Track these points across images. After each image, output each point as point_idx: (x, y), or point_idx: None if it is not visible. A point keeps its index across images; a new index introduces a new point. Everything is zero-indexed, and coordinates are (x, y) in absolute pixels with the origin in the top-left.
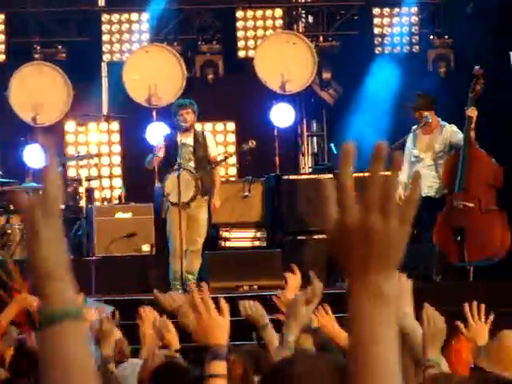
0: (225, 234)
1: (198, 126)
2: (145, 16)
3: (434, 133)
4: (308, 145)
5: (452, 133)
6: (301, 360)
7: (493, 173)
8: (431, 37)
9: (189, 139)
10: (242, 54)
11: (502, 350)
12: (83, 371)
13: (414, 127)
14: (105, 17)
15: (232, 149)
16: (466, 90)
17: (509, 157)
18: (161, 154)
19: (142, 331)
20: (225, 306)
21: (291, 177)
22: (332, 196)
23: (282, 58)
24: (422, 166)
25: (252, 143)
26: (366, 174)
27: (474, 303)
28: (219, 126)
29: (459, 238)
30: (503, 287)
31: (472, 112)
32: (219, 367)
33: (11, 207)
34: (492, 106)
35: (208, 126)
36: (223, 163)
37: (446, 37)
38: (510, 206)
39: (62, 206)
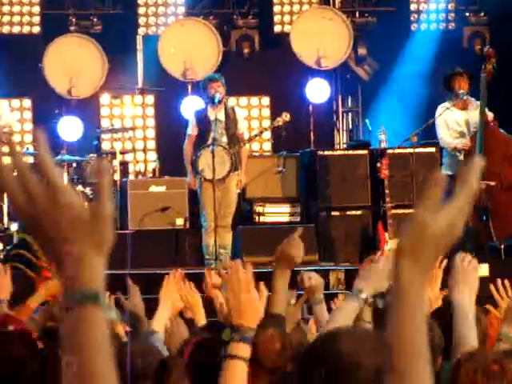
0: (259, 209)
1: (233, 101)
2: None
3: (468, 108)
4: (343, 121)
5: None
6: (346, 336)
7: (511, 149)
8: (467, 14)
9: (220, 114)
10: (277, 28)
11: None
12: (102, 357)
13: (445, 104)
14: None
15: (266, 123)
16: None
17: None
18: (194, 132)
19: (165, 294)
20: (263, 290)
21: (326, 152)
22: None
23: (318, 34)
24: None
25: (286, 116)
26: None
27: (499, 282)
28: (254, 100)
29: (484, 218)
30: None
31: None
32: (244, 350)
33: None
34: None
35: (243, 100)
36: (257, 138)
37: (482, 14)
38: None
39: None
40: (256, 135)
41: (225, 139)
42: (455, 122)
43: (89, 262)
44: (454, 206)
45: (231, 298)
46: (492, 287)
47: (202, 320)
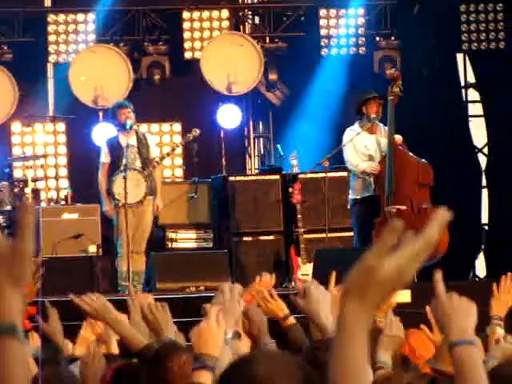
0: (171, 235)
1: (145, 127)
2: (91, 16)
3: (376, 132)
4: (254, 146)
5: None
6: (261, 359)
7: (420, 172)
8: (377, 38)
9: (131, 140)
10: (188, 55)
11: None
12: None
13: (355, 127)
14: (51, 17)
15: (178, 150)
16: (411, 93)
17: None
18: (107, 159)
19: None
20: (220, 319)
21: (237, 178)
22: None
23: (229, 60)
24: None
25: (196, 131)
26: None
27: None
28: (165, 126)
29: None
30: (447, 287)
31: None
32: (205, 377)
33: None
34: (439, 106)
35: (154, 126)
36: (168, 162)
37: (393, 38)
38: (447, 202)
39: (8, 208)
40: (168, 153)
41: (138, 163)
42: (364, 145)
43: (5, 295)
44: (406, 254)
45: (196, 327)
46: (428, 310)
47: (115, 350)
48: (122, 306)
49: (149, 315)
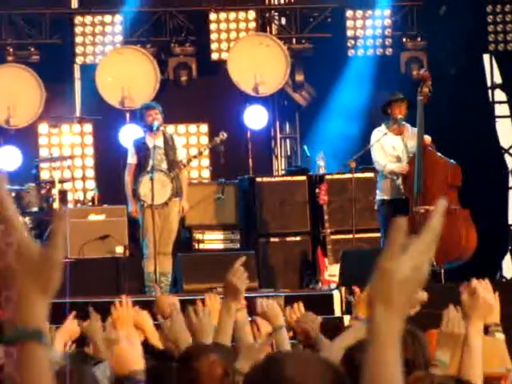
0: (198, 236)
1: (172, 128)
2: (118, 18)
3: (404, 134)
4: (281, 147)
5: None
6: (289, 359)
7: (449, 173)
8: (404, 39)
9: (158, 141)
10: (215, 56)
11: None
12: None
13: (382, 128)
14: (78, 19)
15: (205, 151)
16: (438, 93)
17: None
18: (134, 160)
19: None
20: (134, 333)
21: (264, 179)
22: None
23: (255, 60)
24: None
25: (223, 135)
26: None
27: (452, 307)
28: (192, 128)
29: None
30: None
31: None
32: None
33: None
34: (465, 106)
35: (181, 128)
36: (195, 163)
37: (419, 39)
38: (474, 203)
39: (35, 209)
40: (195, 156)
41: (164, 165)
42: (391, 146)
43: (33, 301)
44: (416, 250)
45: (110, 352)
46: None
47: (155, 341)
48: (148, 307)
49: (193, 319)
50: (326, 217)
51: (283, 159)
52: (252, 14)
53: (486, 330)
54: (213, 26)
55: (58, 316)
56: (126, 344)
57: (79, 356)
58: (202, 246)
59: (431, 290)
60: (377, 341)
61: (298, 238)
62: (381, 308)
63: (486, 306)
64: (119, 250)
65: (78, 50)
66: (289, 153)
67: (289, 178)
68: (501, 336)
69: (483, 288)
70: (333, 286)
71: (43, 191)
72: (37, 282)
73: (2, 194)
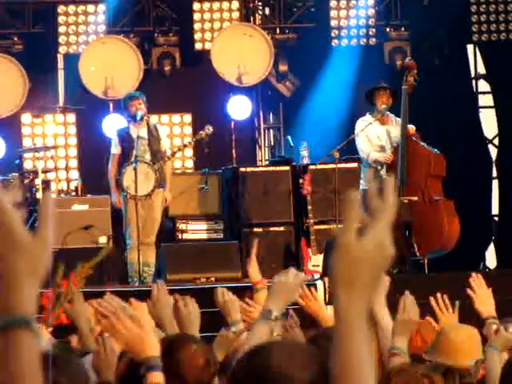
0: (182, 226)
1: (155, 118)
2: (101, 7)
3: (388, 123)
4: (265, 137)
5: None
6: (275, 350)
7: (433, 163)
8: (388, 29)
9: (142, 132)
10: (198, 46)
11: (449, 343)
12: (32, 381)
13: (366, 118)
14: (61, 8)
15: (190, 145)
16: (422, 83)
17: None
18: (118, 150)
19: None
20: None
21: (248, 169)
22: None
23: (239, 51)
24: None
25: (208, 129)
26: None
27: (439, 295)
28: (176, 118)
29: (407, 233)
30: (457, 278)
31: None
32: (158, 377)
33: None
34: (449, 97)
35: (164, 117)
36: (179, 154)
37: (403, 29)
38: (458, 193)
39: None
40: (179, 149)
41: (148, 156)
42: (376, 135)
43: (22, 286)
44: (378, 226)
45: (124, 335)
46: (432, 301)
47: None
48: (133, 296)
49: (183, 310)
50: (309, 207)
51: (267, 149)
52: (236, 4)
53: (483, 323)
54: (196, 16)
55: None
56: (141, 329)
57: (64, 346)
58: (185, 236)
59: (414, 280)
60: (342, 324)
61: (281, 229)
62: (343, 290)
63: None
64: (102, 240)
65: (61, 39)
66: (272, 143)
67: (272, 168)
68: (495, 327)
69: (478, 285)
70: (316, 276)
71: (26, 181)
72: (28, 265)
73: None
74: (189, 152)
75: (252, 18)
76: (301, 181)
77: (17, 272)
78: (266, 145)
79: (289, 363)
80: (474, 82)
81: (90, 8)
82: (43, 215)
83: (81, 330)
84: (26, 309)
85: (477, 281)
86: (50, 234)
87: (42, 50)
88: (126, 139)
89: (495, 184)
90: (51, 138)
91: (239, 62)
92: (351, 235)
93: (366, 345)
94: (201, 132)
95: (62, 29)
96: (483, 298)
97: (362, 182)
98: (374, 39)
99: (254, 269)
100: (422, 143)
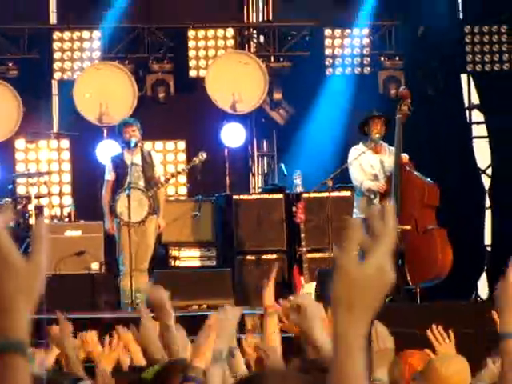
0: (174, 253)
1: (149, 145)
2: (96, 34)
3: (381, 152)
4: (258, 165)
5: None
6: (270, 378)
7: (426, 192)
8: (382, 58)
9: (136, 158)
10: (193, 73)
11: (438, 375)
12: None
13: (359, 146)
14: (56, 34)
15: (183, 172)
16: (416, 113)
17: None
18: (112, 177)
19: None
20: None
21: (241, 196)
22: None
23: (233, 78)
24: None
25: (202, 156)
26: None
27: (434, 327)
28: (170, 144)
29: (400, 262)
30: (449, 308)
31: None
32: None
33: None
34: (443, 126)
35: (158, 144)
36: (172, 180)
37: (397, 58)
38: (450, 223)
39: (12, 225)
40: (173, 175)
41: (142, 182)
42: (369, 164)
43: (16, 310)
44: (379, 250)
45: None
46: (429, 333)
47: (139, 359)
48: (124, 323)
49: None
50: (302, 235)
51: (260, 177)
52: (230, 32)
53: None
54: (191, 44)
55: (34, 332)
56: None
57: (58, 371)
58: (178, 262)
59: (407, 310)
60: (341, 346)
61: (274, 256)
62: (342, 312)
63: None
64: (95, 266)
65: (56, 65)
66: (266, 171)
67: (266, 196)
68: None
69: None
70: None
71: (19, 206)
72: (21, 289)
73: None
74: (182, 179)
75: (247, 46)
76: (294, 209)
77: (10, 296)
78: (260, 172)
79: None
80: (467, 111)
81: (85, 34)
82: (36, 240)
83: (68, 358)
84: (18, 333)
85: (437, 334)
86: (44, 258)
87: (36, 75)
88: (119, 166)
89: (488, 214)
90: (45, 163)
91: (233, 90)
92: (351, 258)
93: (362, 367)
94: (194, 159)
95: (56, 55)
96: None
97: (355, 210)
98: (368, 68)
99: (269, 292)
100: (416, 172)
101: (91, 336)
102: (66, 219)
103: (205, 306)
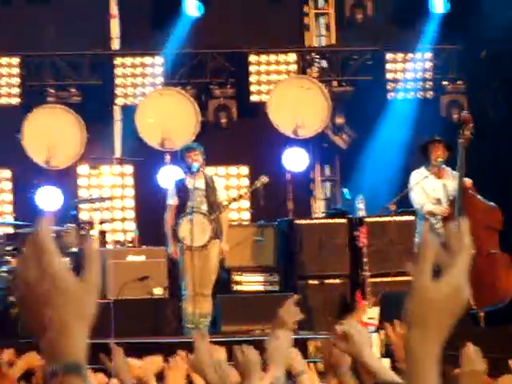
0: (237, 278)
1: (212, 170)
2: (158, 59)
3: (444, 177)
4: (321, 189)
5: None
6: None
7: (489, 216)
8: (444, 82)
9: (199, 183)
10: (255, 98)
11: None
12: None
13: (421, 171)
14: (118, 60)
15: (246, 195)
16: (478, 137)
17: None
18: (174, 201)
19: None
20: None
21: (304, 221)
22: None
23: (295, 103)
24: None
25: (264, 179)
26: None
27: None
28: (232, 169)
29: None
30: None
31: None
32: None
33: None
34: (506, 150)
35: (221, 169)
36: (235, 205)
37: (460, 82)
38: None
39: (75, 250)
40: (235, 199)
41: (204, 207)
42: (431, 188)
43: (72, 332)
44: (455, 269)
45: None
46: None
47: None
48: (187, 348)
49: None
50: (365, 259)
51: (323, 202)
52: (292, 57)
53: None
54: (253, 68)
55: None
56: None
57: None
58: (240, 287)
59: (471, 334)
60: (414, 365)
61: (337, 281)
62: (417, 331)
63: None
64: (158, 291)
65: (119, 91)
66: (328, 195)
67: (328, 221)
68: None
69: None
70: (371, 328)
71: (82, 232)
72: (75, 311)
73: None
74: (245, 204)
75: (309, 71)
76: (356, 233)
77: (65, 317)
78: (322, 197)
79: None
80: None
81: (148, 60)
82: (88, 260)
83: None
84: (76, 354)
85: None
86: (96, 278)
87: (99, 101)
88: (182, 190)
89: None
90: (107, 188)
91: (296, 115)
92: (427, 277)
93: None
94: (256, 182)
95: (119, 80)
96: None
97: (417, 235)
98: (430, 92)
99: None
100: (479, 196)
101: (157, 361)
102: (129, 244)
103: (267, 330)
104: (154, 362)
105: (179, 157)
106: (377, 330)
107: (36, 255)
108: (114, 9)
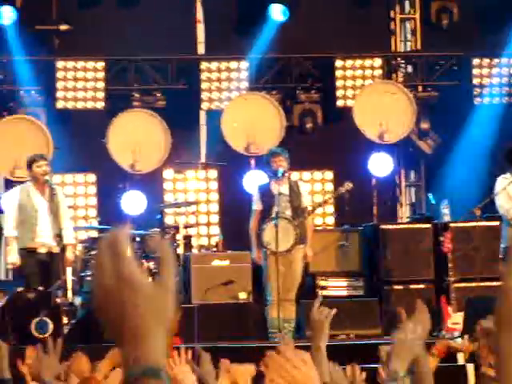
0: (322, 283)
1: (296, 175)
2: (244, 64)
3: None
4: (406, 195)
5: None
6: None
7: None
8: None
9: (283, 188)
10: (340, 103)
11: None
12: None
13: (507, 176)
14: (204, 65)
15: (330, 200)
16: None
17: None
18: (259, 207)
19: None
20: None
21: (389, 226)
22: None
23: (381, 108)
24: None
25: (348, 185)
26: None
27: None
28: (317, 174)
29: None
30: None
31: None
32: None
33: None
34: None
35: (306, 174)
36: (320, 210)
37: None
38: None
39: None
40: (320, 204)
41: (289, 212)
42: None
43: (152, 337)
44: None
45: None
46: None
47: None
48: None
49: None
50: (450, 265)
51: (408, 207)
52: (378, 62)
53: None
54: (338, 73)
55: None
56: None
57: None
58: (325, 292)
59: None
60: (505, 365)
61: (422, 286)
62: (506, 332)
63: None
64: (243, 295)
65: (204, 95)
66: (413, 200)
67: (413, 226)
68: None
69: None
70: (456, 333)
71: (167, 236)
72: (154, 315)
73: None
74: (329, 209)
75: (394, 76)
76: (442, 238)
77: (144, 321)
78: (407, 202)
79: None
80: None
81: (233, 64)
82: (163, 262)
83: None
84: (156, 359)
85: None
86: (172, 280)
87: (184, 105)
88: (267, 195)
89: None
90: (192, 193)
91: (381, 120)
92: None
93: None
94: (340, 188)
95: (204, 85)
96: None
97: (502, 240)
98: None
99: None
100: None
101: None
102: (214, 249)
103: (352, 335)
104: (248, 369)
105: (264, 162)
106: (461, 335)
107: (111, 260)
108: (199, 14)
